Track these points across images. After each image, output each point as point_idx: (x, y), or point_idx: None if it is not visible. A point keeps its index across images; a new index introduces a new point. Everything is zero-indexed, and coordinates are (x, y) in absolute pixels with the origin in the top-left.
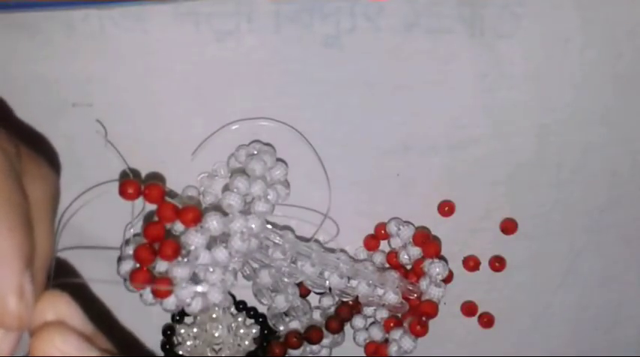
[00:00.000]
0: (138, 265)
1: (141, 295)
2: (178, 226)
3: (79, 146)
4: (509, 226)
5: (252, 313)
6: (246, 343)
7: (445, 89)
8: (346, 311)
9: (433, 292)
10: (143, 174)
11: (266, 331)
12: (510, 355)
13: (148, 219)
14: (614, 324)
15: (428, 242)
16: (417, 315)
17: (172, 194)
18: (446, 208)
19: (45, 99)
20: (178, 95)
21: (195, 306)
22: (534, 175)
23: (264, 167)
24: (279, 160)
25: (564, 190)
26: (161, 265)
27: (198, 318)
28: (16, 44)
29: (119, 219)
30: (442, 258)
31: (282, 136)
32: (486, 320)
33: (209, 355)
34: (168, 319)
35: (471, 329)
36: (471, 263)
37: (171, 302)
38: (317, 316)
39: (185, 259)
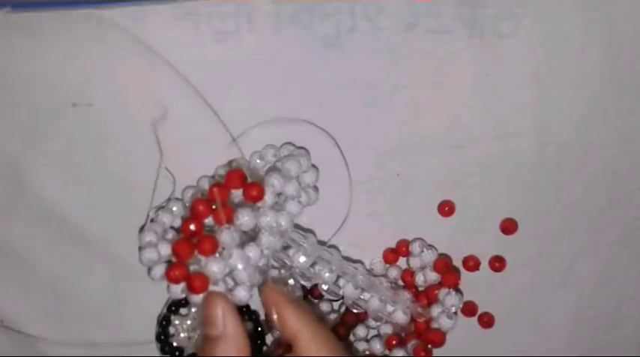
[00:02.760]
0: (173, 260)
1: (168, 287)
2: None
3: (79, 146)
4: (509, 226)
5: (244, 309)
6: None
7: (445, 89)
8: (353, 319)
9: (444, 323)
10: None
11: (259, 329)
12: (510, 355)
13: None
14: (614, 324)
15: (449, 271)
16: (424, 341)
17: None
18: (446, 208)
19: (45, 99)
20: (178, 95)
21: None
22: (534, 175)
23: (299, 169)
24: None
25: (564, 190)
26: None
27: (194, 310)
28: (16, 44)
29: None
30: (458, 290)
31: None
32: (486, 320)
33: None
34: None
35: (471, 329)
36: (471, 263)
37: (200, 298)
38: None
39: (218, 256)
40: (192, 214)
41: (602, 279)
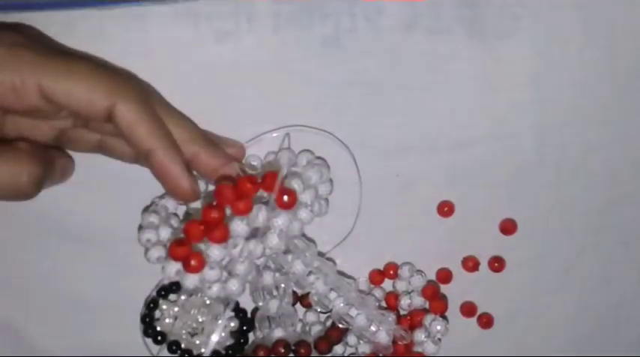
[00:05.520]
0: (182, 236)
1: (163, 268)
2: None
3: None
4: (509, 226)
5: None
6: (223, 335)
7: (445, 89)
8: (337, 335)
9: (429, 349)
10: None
11: (245, 327)
12: (510, 355)
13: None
14: (614, 324)
15: (437, 298)
16: None
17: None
18: (446, 208)
19: None
20: (178, 95)
21: (215, 291)
22: (534, 176)
23: (319, 179)
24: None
25: (564, 190)
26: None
27: (183, 298)
28: None
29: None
30: (445, 317)
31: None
32: (486, 321)
33: (184, 338)
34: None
35: (471, 329)
36: (471, 263)
37: (193, 280)
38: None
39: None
40: (218, 199)
41: (602, 279)
